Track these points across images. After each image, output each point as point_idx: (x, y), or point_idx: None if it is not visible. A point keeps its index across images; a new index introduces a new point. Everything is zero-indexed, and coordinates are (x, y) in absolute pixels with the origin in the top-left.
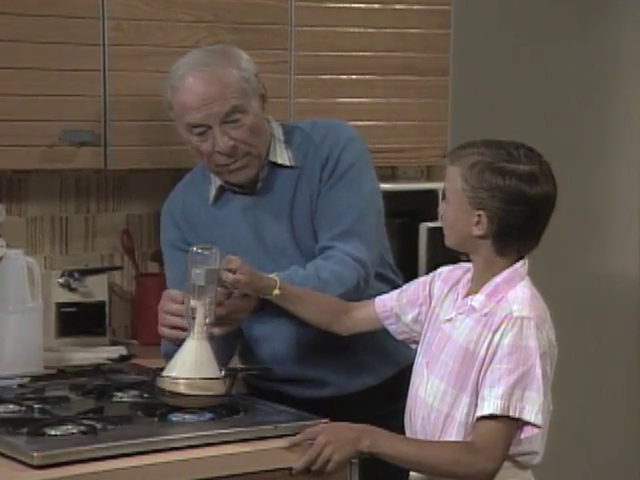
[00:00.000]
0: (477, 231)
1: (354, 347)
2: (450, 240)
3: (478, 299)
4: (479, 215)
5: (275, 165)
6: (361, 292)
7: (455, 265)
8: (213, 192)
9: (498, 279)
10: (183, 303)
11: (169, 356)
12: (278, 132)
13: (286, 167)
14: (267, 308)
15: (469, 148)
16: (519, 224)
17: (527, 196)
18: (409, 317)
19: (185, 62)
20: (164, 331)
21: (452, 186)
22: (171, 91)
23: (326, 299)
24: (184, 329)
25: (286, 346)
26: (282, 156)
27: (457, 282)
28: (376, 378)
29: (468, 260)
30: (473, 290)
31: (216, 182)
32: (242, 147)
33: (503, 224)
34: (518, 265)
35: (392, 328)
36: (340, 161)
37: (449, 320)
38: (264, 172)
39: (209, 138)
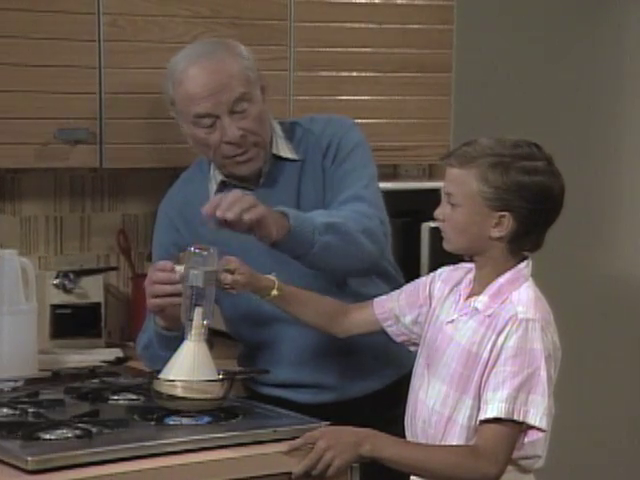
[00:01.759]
0: (497, 233)
1: (357, 351)
2: (458, 244)
3: (481, 300)
4: (501, 216)
5: (278, 159)
6: (382, 246)
7: (456, 265)
8: (214, 189)
9: (502, 280)
10: (172, 271)
11: (149, 348)
12: (277, 128)
13: (289, 160)
14: (269, 312)
15: (476, 147)
16: (542, 221)
17: (552, 191)
18: (408, 319)
19: (185, 55)
20: (155, 302)
21: (463, 190)
22: (173, 86)
23: (324, 301)
24: (177, 295)
25: (288, 351)
26: (284, 150)
27: (458, 283)
28: (380, 382)
29: (469, 260)
30: (476, 291)
31: (217, 178)
32: (250, 137)
33: (527, 222)
34: (522, 266)
35: (391, 330)
36: (341, 146)
37: (451, 321)
38: (267, 166)
39: (217, 129)
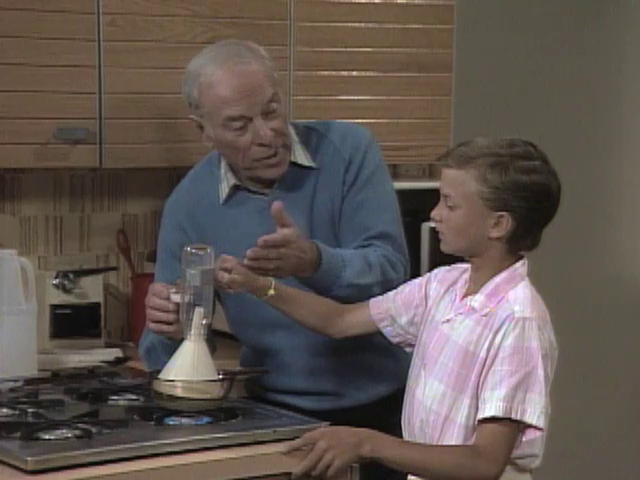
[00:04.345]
0: (496, 233)
1: (359, 360)
2: (456, 245)
3: (478, 299)
4: (500, 216)
5: (293, 165)
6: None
7: (452, 266)
8: (225, 191)
9: (498, 279)
10: (168, 298)
11: (151, 352)
12: (292, 132)
13: (304, 168)
14: (274, 318)
15: (473, 148)
16: (540, 220)
17: (550, 190)
18: (404, 319)
19: (210, 57)
20: (149, 325)
21: (461, 191)
22: (200, 89)
23: (321, 301)
24: (168, 323)
25: (291, 358)
26: (301, 156)
27: (454, 283)
28: (382, 390)
29: (465, 260)
30: (472, 290)
31: (229, 180)
32: (280, 138)
33: (526, 222)
34: (518, 265)
35: (387, 331)
36: (364, 165)
37: (447, 321)
38: None
39: (248, 131)
